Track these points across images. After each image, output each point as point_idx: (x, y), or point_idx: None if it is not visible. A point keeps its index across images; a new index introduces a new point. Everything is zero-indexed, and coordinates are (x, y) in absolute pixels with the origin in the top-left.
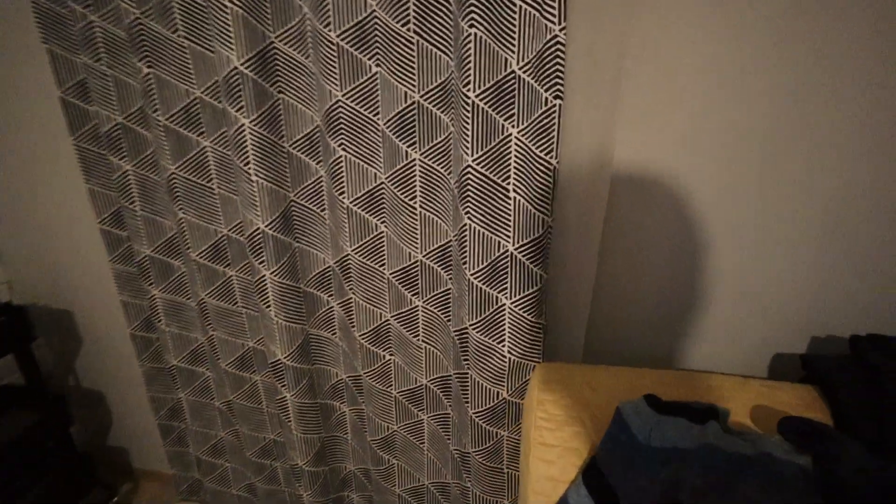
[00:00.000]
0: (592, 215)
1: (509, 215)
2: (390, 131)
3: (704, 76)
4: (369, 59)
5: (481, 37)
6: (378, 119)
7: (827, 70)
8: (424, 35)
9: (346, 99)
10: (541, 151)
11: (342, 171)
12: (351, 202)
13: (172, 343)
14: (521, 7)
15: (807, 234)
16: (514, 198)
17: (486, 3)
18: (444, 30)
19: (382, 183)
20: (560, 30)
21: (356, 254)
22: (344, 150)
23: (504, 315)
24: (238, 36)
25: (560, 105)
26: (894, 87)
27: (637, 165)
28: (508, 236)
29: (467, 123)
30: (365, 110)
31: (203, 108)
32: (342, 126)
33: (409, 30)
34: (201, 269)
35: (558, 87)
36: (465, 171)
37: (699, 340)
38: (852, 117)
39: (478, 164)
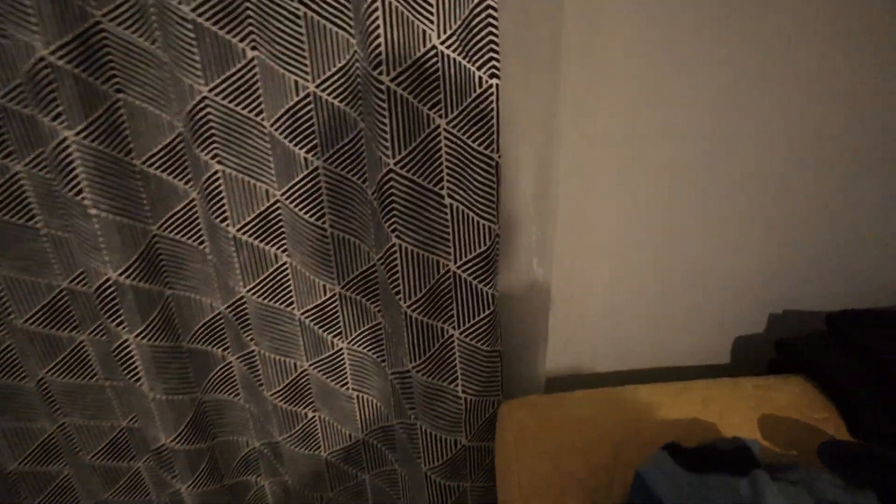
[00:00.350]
0: (544, 214)
1: (447, 227)
2: (281, 134)
3: (650, 44)
4: (242, 40)
5: (390, 2)
6: (263, 119)
7: (777, 33)
8: (313, 5)
9: (216, 95)
10: (478, 144)
11: (221, 191)
12: (238, 230)
13: (6, 441)
14: None
15: (756, 211)
16: (451, 205)
17: None
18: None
19: (278, 201)
20: None
21: (253, 295)
22: (220, 163)
23: (453, 348)
24: (41, 14)
25: (497, 86)
26: (840, 68)
27: (584, 151)
28: (448, 253)
29: (383, 117)
30: (244, 109)
31: (7, 119)
32: (214, 132)
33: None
34: (35, 338)
35: (493, 63)
36: (386, 178)
37: (661, 334)
38: (799, 90)
39: (401, 168)
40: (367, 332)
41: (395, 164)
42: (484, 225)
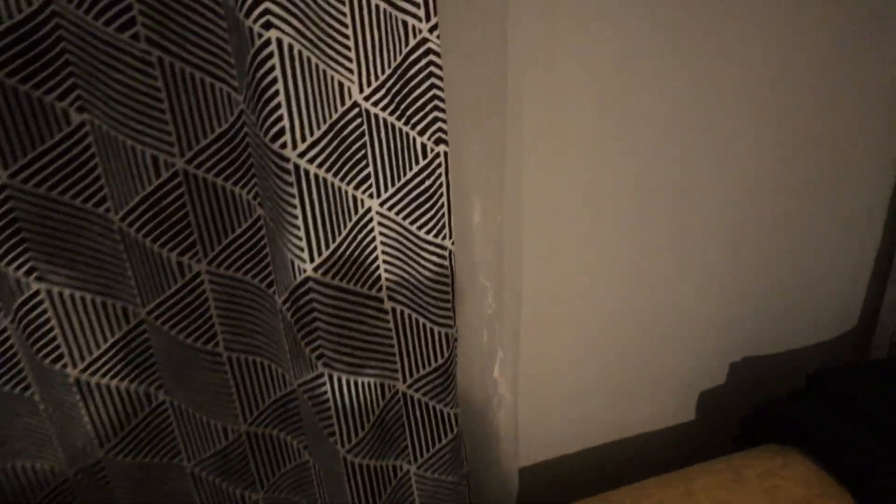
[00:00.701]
0: (506, 303)
1: (390, 340)
2: (139, 230)
3: (603, 82)
4: (61, 98)
5: (291, 45)
6: (107, 212)
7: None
8: (172, 47)
9: (23, 181)
10: (425, 231)
11: (48, 319)
12: (83, 370)
13: None
14: None
15: (710, 262)
16: (394, 310)
17: None
18: (210, 36)
19: (142, 323)
20: (429, 29)
21: (118, 454)
22: (42, 279)
23: (410, 488)
24: None
25: (445, 153)
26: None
27: (544, 223)
28: (395, 371)
29: (292, 206)
30: (73, 198)
31: None
32: (26, 234)
33: (137, 38)
34: None
35: (439, 125)
36: (304, 290)
37: (627, 403)
38: (749, 134)
39: (324, 273)
40: (290, 475)
41: (315, 269)
42: (438, 331)
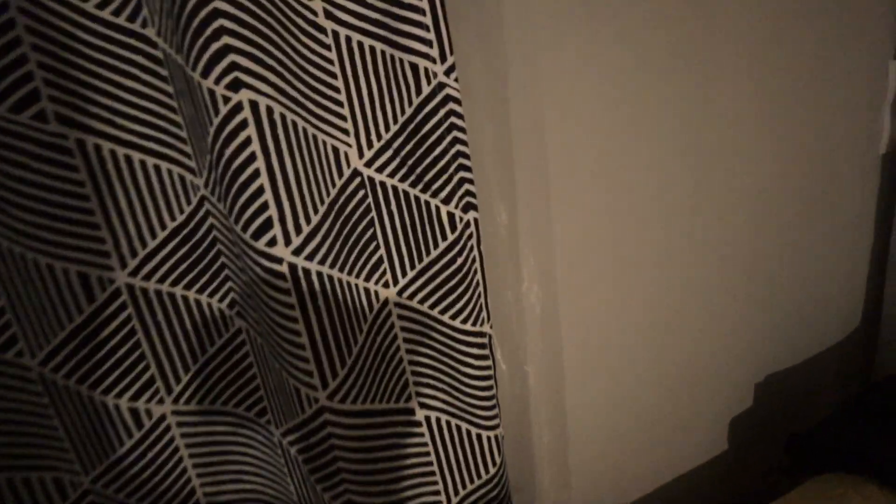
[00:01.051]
0: (548, 386)
1: (427, 457)
2: (69, 377)
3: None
4: None
5: (270, 108)
6: (18, 356)
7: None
8: (96, 125)
9: None
10: (460, 319)
11: None
12: None
13: None
14: (335, 33)
15: (727, 288)
16: (427, 420)
17: (259, 29)
18: (150, 105)
19: (86, 493)
20: (446, 71)
21: None
22: None
23: None
24: None
25: (476, 221)
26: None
27: (580, 293)
28: (436, 493)
29: (290, 318)
30: None
31: None
32: None
33: (43, 117)
34: None
35: (466, 187)
36: (317, 422)
37: (660, 446)
38: (751, 161)
39: (341, 399)
40: None
41: (330, 396)
42: (485, 436)
